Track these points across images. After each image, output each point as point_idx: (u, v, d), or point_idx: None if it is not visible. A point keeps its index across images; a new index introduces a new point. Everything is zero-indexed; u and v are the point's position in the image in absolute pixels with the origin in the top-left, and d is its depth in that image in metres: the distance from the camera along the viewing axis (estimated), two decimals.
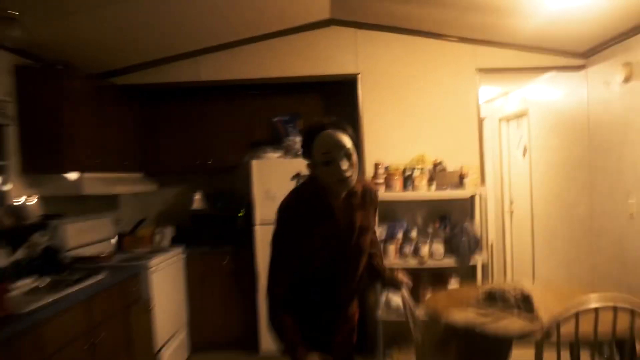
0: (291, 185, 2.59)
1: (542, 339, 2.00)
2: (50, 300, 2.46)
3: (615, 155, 3.74)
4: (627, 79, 3.56)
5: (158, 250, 4.04)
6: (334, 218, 1.86)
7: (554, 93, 4.70)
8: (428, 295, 3.53)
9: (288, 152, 4.24)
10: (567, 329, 1.98)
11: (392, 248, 3.83)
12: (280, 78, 4.15)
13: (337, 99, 4.47)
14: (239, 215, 4.39)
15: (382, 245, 3.85)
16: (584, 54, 4.10)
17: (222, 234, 4.39)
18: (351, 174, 1.78)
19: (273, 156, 4.18)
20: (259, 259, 4.08)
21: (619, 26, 3.45)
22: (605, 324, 1.98)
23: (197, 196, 4.63)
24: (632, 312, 1.99)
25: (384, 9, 3.78)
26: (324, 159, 1.76)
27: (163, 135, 4.54)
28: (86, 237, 3.74)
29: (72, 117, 3.25)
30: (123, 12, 3.05)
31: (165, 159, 4.53)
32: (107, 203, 4.34)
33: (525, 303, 2.35)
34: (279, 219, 1.83)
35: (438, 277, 3.90)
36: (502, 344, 2.29)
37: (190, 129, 4.52)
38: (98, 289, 2.86)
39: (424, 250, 3.80)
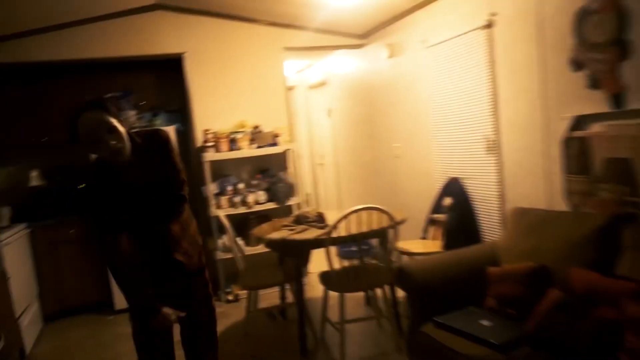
0: None
1: (328, 235, 3.05)
2: None
3: (386, 112, 5.04)
4: (390, 55, 4.82)
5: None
6: (120, 176, 2.04)
7: (345, 66, 5.89)
8: (256, 227, 4.46)
9: (123, 125, 4.71)
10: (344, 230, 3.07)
11: (224, 199, 4.66)
12: (112, 58, 4.58)
13: (169, 75, 5.04)
14: (80, 187, 4.77)
15: (215, 199, 4.63)
16: (362, 35, 5.30)
17: (65, 206, 4.73)
18: (121, 144, 1.97)
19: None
20: None
21: (383, 17, 4.64)
22: (369, 223, 3.11)
23: (34, 173, 4.85)
24: (382, 210, 3.14)
25: None
26: (91, 139, 1.90)
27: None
28: None
29: None
30: None
31: (1, 137, 4.64)
32: None
33: (319, 219, 3.40)
34: (84, 190, 2.09)
35: (265, 219, 4.84)
36: (303, 247, 3.29)
37: (25, 107, 4.68)
38: None
39: (250, 198, 4.70)
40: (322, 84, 6.70)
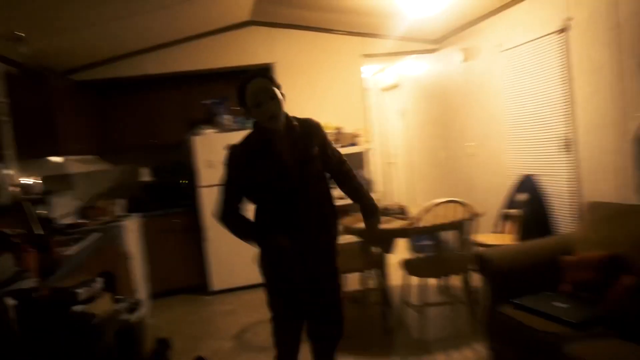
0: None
1: (412, 227, 3.38)
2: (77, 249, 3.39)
3: (460, 113, 5.29)
4: (464, 59, 5.07)
5: (119, 218, 4.90)
6: (275, 152, 2.21)
7: (418, 68, 6.18)
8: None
9: (221, 128, 5.27)
10: (425, 222, 3.39)
11: None
12: (211, 69, 5.16)
13: None
14: (183, 182, 5.38)
15: None
16: (437, 40, 5.57)
17: (171, 199, 5.35)
18: (278, 111, 2.19)
19: (210, 132, 5.20)
20: (205, 215, 5.12)
21: (458, 22, 4.91)
22: (447, 216, 3.42)
23: (145, 170, 5.52)
24: (462, 203, 3.43)
25: (293, 13, 4.91)
26: (254, 102, 2.16)
27: (116, 121, 5.35)
28: (64, 209, 4.54)
29: (54, 111, 4.04)
30: (82, 22, 3.85)
31: (118, 141, 5.35)
32: (65, 181, 5.09)
33: (401, 211, 3.75)
34: (224, 159, 2.29)
35: (344, 213, 5.23)
36: (389, 236, 3.64)
37: (137, 114, 5.38)
38: (100, 243, 3.79)
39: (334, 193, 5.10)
40: (394, 87, 7.01)
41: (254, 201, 2.34)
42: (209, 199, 5.07)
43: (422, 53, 5.69)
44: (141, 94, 5.39)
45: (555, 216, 3.88)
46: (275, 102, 2.19)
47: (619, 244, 2.76)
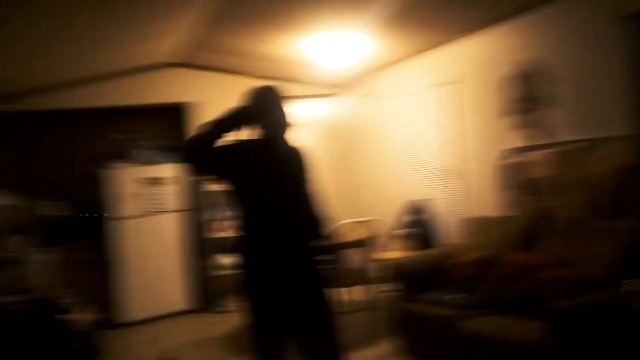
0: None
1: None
2: None
3: (358, 147, 6.05)
4: (365, 103, 5.88)
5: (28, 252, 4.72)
6: (274, 158, 2.26)
7: (325, 110, 6.91)
8: None
9: (131, 161, 5.42)
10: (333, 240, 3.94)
11: (218, 224, 5.41)
12: (129, 106, 5.35)
13: (172, 120, 5.83)
14: (95, 215, 5.37)
15: (216, 223, 5.37)
16: (339, 85, 6.33)
17: (85, 232, 5.27)
18: (283, 121, 2.27)
19: (120, 166, 5.32)
20: (116, 248, 5.15)
21: (362, 70, 5.70)
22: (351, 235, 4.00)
23: (55, 204, 5.38)
24: (365, 224, 4.05)
25: (210, 58, 5.34)
26: (263, 109, 2.25)
27: (32, 155, 5.29)
28: None
29: None
30: None
31: (34, 174, 5.25)
32: None
33: None
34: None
35: None
36: None
37: (53, 148, 5.33)
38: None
39: None
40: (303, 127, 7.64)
41: (237, 200, 2.26)
42: (121, 231, 5.16)
43: (328, 97, 6.42)
44: (58, 127, 5.37)
45: (443, 231, 4.69)
46: (282, 112, 2.29)
47: (490, 247, 3.56)
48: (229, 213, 5.46)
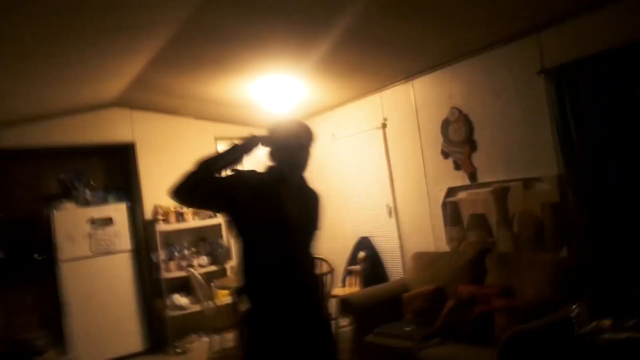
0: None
1: None
2: None
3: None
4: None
5: None
6: (290, 196, 2.06)
7: (260, 151, 7.07)
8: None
9: (78, 202, 5.30)
10: None
11: (173, 264, 5.39)
12: (70, 145, 5.25)
13: (119, 159, 5.76)
14: (38, 257, 5.16)
15: (165, 263, 5.34)
16: None
17: (24, 275, 5.05)
18: (303, 165, 2.10)
19: (69, 206, 5.19)
20: (65, 290, 4.98)
21: (299, 114, 5.95)
22: None
23: None
24: (324, 260, 4.23)
25: (155, 99, 5.38)
26: (284, 143, 2.06)
27: None
28: None
29: None
30: None
31: None
32: None
33: None
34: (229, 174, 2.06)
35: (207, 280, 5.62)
36: None
37: None
38: None
39: (195, 262, 5.49)
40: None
41: (244, 232, 2.06)
42: (71, 272, 5.01)
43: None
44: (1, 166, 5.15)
45: (388, 266, 4.95)
46: (303, 152, 2.11)
47: (439, 279, 3.85)
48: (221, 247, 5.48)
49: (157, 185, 5.63)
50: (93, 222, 5.17)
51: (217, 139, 6.14)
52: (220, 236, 5.85)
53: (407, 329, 3.62)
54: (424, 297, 3.80)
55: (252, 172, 2.13)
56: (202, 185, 2.02)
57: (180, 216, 5.50)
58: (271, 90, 4.67)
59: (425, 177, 4.50)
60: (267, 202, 2.04)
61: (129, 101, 5.44)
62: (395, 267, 4.89)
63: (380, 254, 5.02)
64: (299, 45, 3.82)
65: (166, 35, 3.59)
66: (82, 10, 2.88)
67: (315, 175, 5.97)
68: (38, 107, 4.89)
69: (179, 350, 5.25)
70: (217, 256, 5.62)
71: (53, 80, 4.16)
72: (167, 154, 5.74)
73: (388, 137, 4.89)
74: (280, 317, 2.01)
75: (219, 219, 5.74)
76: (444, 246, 4.34)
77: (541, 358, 2.70)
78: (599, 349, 2.52)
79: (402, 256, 4.79)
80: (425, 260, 4.20)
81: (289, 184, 2.11)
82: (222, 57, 4.07)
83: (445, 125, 4.25)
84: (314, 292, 2.19)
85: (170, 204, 5.57)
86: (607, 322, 2.60)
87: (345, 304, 3.92)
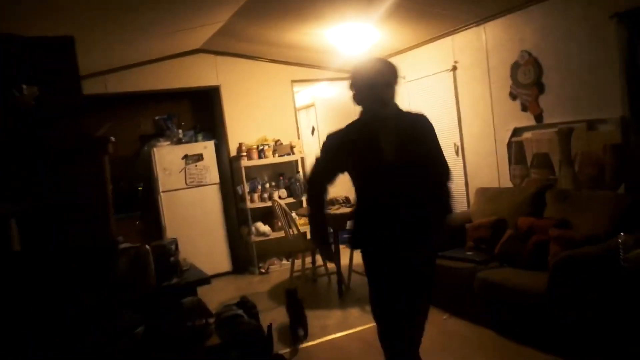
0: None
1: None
2: None
3: None
4: None
5: None
6: (378, 148, 2.08)
7: (331, 92, 7.45)
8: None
9: (171, 140, 5.98)
10: None
11: (256, 196, 6.03)
12: (163, 89, 5.87)
13: (206, 102, 6.37)
14: (139, 189, 5.96)
15: (249, 195, 5.98)
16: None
17: (129, 204, 5.89)
18: (388, 99, 2.11)
19: (164, 144, 5.89)
20: (164, 217, 5.77)
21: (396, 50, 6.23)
22: None
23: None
24: None
25: (237, 45, 5.84)
26: (368, 83, 2.10)
27: None
28: None
29: None
30: None
31: None
32: None
33: (346, 201, 4.90)
34: (321, 146, 2.26)
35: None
36: (341, 219, 4.74)
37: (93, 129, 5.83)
38: None
39: (275, 194, 6.10)
40: (309, 106, 8.22)
41: (353, 181, 2.26)
42: (168, 202, 5.76)
43: (340, 80, 6.95)
44: (98, 110, 5.88)
45: (455, 200, 5.32)
46: (390, 89, 2.15)
47: (501, 212, 4.20)
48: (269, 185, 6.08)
49: (240, 125, 6.21)
50: (186, 158, 5.85)
51: (293, 81, 6.56)
52: (297, 171, 6.41)
53: (469, 253, 4.03)
54: (486, 227, 4.17)
55: (344, 130, 2.21)
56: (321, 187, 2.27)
57: (261, 152, 6.07)
58: (346, 35, 4.97)
59: (493, 118, 4.74)
60: (367, 149, 2.13)
61: (214, 47, 5.93)
62: (460, 201, 5.25)
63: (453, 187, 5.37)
64: None
65: None
66: None
67: None
68: (136, 56, 5.49)
69: (263, 271, 5.97)
70: (294, 189, 6.19)
71: (151, 30, 4.69)
72: (248, 96, 6.25)
73: (458, 80, 5.12)
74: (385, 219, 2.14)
75: (296, 156, 6.28)
76: (507, 183, 4.63)
77: (589, 281, 3.05)
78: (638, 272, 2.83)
79: (467, 192, 5.13)
80: (488, 195, 4.53)
81: (384, 122, 2.13)
82: (301, 7, 4.40)
83: (515, 68, 4.43)
84: (426, 219, 2.16)
85: (252, 141, 6.15)
86: None
87: None
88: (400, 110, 2.22)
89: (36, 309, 1.90)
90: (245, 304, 2.96)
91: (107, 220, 2.31)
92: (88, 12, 3.65)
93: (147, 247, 2.61)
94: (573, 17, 3.90)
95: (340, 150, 2.22)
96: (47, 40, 2.25)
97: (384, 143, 2.10)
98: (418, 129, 2.20)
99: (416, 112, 2.26)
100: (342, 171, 2.25)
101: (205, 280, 2.61)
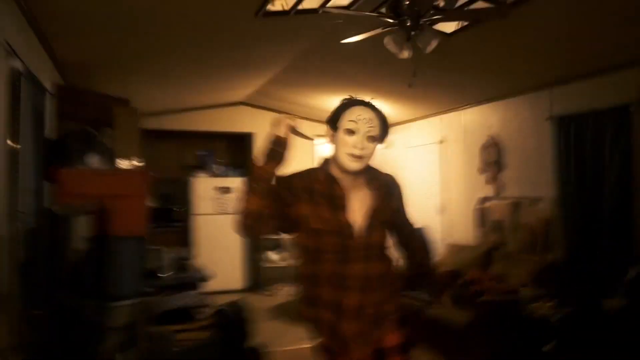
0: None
1: None
2: None
3: None
4: (382, 151, 7.51)
5: None
6: (338, 201, 1.81)
7: None
8: None
9: (210, 174, 7.23)
10: None
11: None
12: (208, 131, 7.21)
13: (241, 145, 7.66)
14: (177, 208, 7.20)
15: None
16: None
17: (166, 219, 7.11)
18: (364, 156, 1.77)
19: (201, 175, 7.14)
20: (194, 234, 6.96)
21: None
22: None
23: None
24: None
25: (269, 102, 7.11)
26: (348, 127, 1.76)
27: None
28: None
29: None
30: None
31: None
32: None
33: None
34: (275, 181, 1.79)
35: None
36: None
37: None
38: None
39: None
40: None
41: (300, 243, 1.93)
42: (199, 224, 6.97)
43: None
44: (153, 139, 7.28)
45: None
46: (371, 144, 1.81)
47: (458, 264, 5.12)
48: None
49: None
50: (217, 189, 7.08)
51: (316, 136, 7.74)
52: None
53: (421, 295, 4.97)
54: (443, 275, 5.11)
55: (300, 178, 1.90)
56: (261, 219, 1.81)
57: None
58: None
59: (466, 187, 5.74)
60: (322, 207, 1.85)
61: (252, 102, 7.23)
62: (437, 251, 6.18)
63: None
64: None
65: (283, 63, 5.13)
66: (225, 42, 4.43)
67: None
68: (183, 102, 6.85)
69: (269, 293, 7.02)
70: None
71: (198, 84, 6.00)
72: None
73: (442, 152, 6.16)
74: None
75: None
76: (474, 240, 5.57)
77: (497, 321, 3.95)
78: (531, 320, 3.73)
79: (440, 247, 6.08)
80: (454, 250, 5.48)
81: (345, 181, 1.86)
82: (326, 80, 5.59)
83: (483, 148, 5.44)
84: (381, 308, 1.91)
85: None
86: (545, 304, 3.79)
87: None
88: (372, 169, 1.96)
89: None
90: (235, 304, 4.01)
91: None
92: (153, 72, 5.00)
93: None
94: (523, 115, 4.93)
95: (300, 197, 1.96)
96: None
97: (349, 205, 1.88)
98: (386, 192, 1.98)
99: (384, 172, 2.03)
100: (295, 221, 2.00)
101: (204, 278, 3.70)
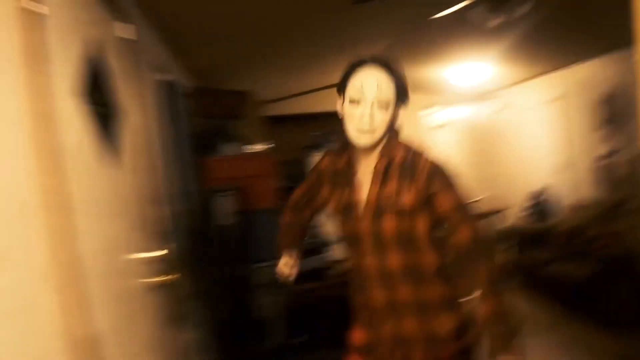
0: None
1: None
2: None
3: (495, 142, 7.62)
4: (496, 112, 7.40)
5: None
6: (343, 180, 1.60)
7: (468, 116, 8.54)
8: None
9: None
10: None
11: None
12: (321, 111, 7.65)
13: None
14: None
15: None
16: (477, 97, 7.91)
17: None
18: (375, 128, 1.46)
19: (318, 154, 7.65)
20: None
21: (488, 88, 7.27)
22: None
23: None
24: None
25: None
26: (352, 96, 1.46)
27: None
28: None
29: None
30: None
31: None
32: None
33: None
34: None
35: None
36: None
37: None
38: None
39: None
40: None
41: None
42: None
43: (470, 103, 8.05)
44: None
45: (557, 209, 6.16)
46: (384, 112, 1.48)
47: (585, 222, 5.04)
48: None
49: None
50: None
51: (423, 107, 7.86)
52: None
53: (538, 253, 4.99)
54: (564, 233, 5.07)
55: (331, 157, 1.76)
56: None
57: None
58: (469, 70, 6.08)
59: (585, 142, 5.56)
60: (339, 189, 1.68)
61: None
62: (560, 211, 6.06)
63: (550, 200, 6.24)
64: None
65: (384, 43, 5.32)
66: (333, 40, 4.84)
67: (508, 136, 7.30)
68: (299, 87, 7.35)
69: None
70: None
71: (311, 70, 6.43)
72: None
73: (560, 108, 5.98)
74: None
75: None
76: (595, 198, 5.40)
77: (619, 275, 3.92)
78: None
79: (563, 206, 5.96)
80: (576, 208, 5.39)
81: (356, 157, 1.66)
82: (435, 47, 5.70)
83: (602, 103, 5.21)
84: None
85: None
86: None
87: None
88: (393, 143, 1.65)
89: None
90: None
91: None
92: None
93: None
94: None
95: (330, 177, 1.89)
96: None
97: (360, 189, 1.68)
98: (408, 173, 1.59)
99: (418, 149, 1.62)
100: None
101: (328, 244, 4.13)
